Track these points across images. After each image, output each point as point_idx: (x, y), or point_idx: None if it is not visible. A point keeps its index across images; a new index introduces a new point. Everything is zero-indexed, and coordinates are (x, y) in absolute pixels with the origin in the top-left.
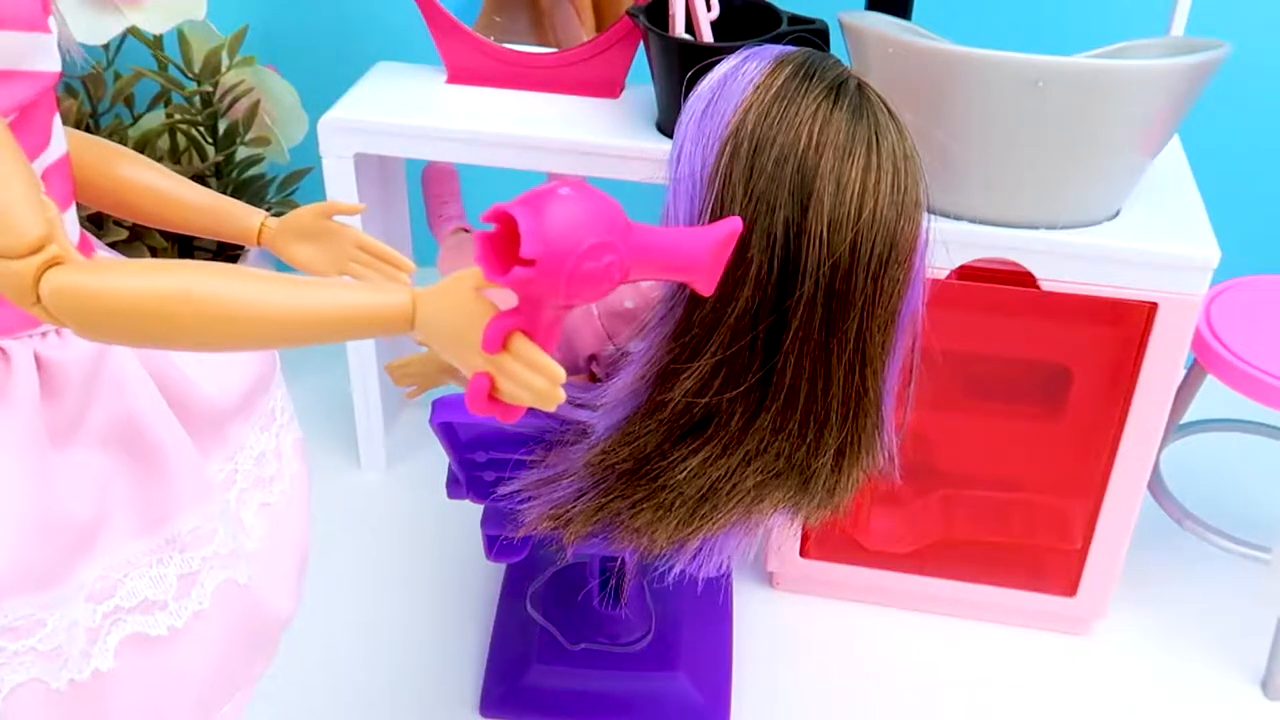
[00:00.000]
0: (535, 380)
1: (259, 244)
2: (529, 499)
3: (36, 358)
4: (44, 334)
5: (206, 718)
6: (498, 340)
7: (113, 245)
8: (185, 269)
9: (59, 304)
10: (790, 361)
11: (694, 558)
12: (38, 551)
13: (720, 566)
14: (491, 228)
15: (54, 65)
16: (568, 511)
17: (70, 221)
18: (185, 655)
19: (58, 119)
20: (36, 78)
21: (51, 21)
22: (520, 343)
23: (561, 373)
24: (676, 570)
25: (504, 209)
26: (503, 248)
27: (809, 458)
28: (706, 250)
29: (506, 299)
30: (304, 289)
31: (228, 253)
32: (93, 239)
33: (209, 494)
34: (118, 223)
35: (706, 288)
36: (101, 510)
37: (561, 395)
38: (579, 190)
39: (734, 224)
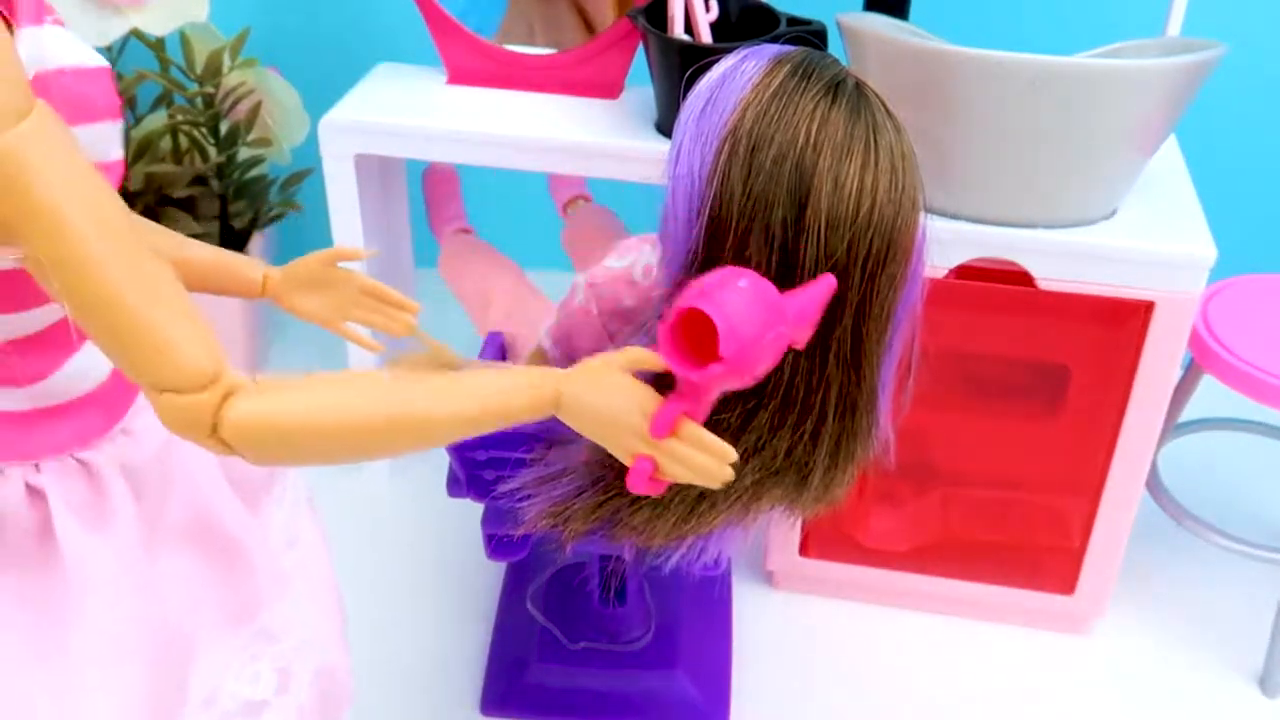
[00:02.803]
0: (707, 462)
1: (262, 295)
2: (528, 497)
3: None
4: (113, 436)
5: None
6: (668, 426)
7: None
8: (352, 387)
9: (242, 436)
10: (788, 360)
11: (691, 552)
12: (166, 680)
13: (717, 559)
14: (671, 319)
15: (120, 153)
16: (567, 509)
17: None
18: None
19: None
20: (113, 168)
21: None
22: (690, 428)
23: (730, 452)
24: (674, 563)
25: (696, 307)
26: (686, 339)
27: (806, 455)
28: (815, 308)
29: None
30: (458, 390)
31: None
32: None
33: (288, 579)
34: None
35: (802, 341)
36: (195, 613)
37: (731, 474)
38: (753, 281)
39: (829, 281)
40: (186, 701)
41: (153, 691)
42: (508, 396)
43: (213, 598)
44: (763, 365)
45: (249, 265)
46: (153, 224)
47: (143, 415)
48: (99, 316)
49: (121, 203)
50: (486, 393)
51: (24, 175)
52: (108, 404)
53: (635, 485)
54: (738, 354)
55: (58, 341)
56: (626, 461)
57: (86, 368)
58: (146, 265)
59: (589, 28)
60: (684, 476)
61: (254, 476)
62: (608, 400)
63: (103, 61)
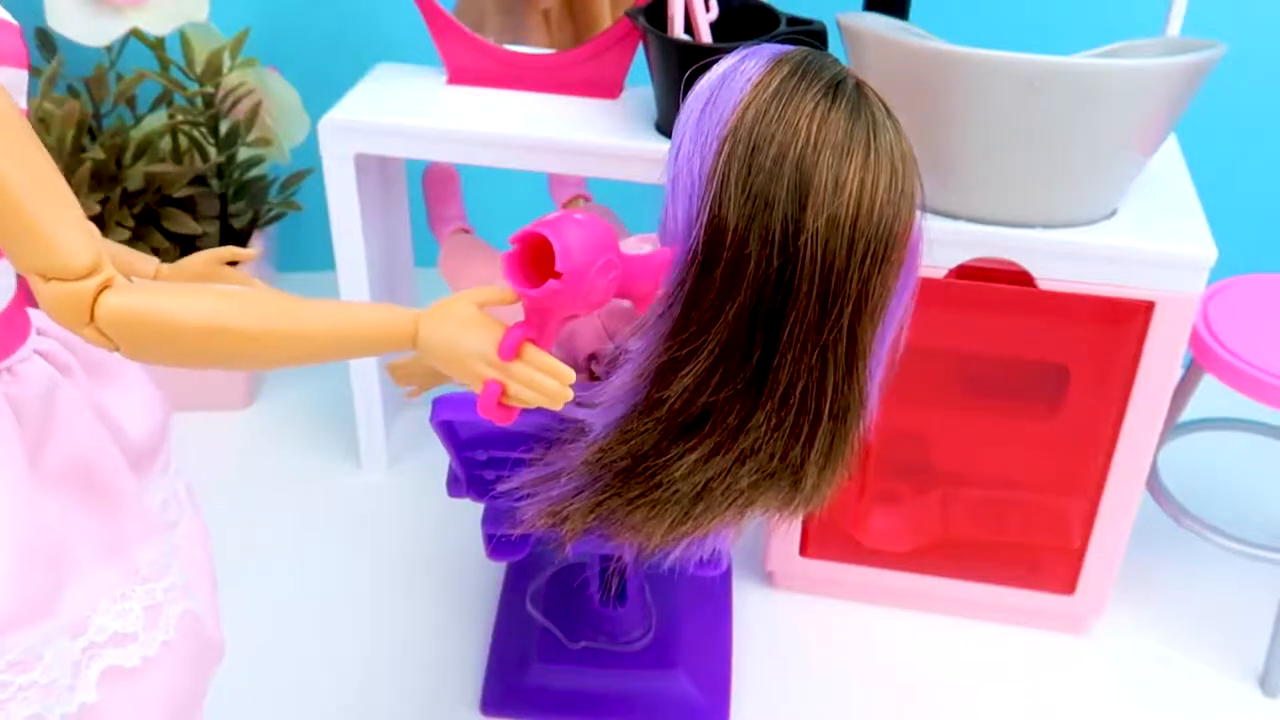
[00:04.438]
0: (548, 382)
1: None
2: (527, 496)
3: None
4: (0, 372)
5: None
6: (513, 348)
7: None
8: (225, 295)
9: (113, 325)
10: (787, 360)
11: (689, 550)
12: (36, 582)
13: (717, 559)
14: (513, 249)
15: (23, 103)
16: (565, 508)
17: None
18: (157, 683)
19: None
20: None
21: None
22: (533, 350)
23: (571, 373)
24: (671, 562)
25: (536, 231)
26: (527, 265)
27: (801, 456)
28: (650, 273)
29: (508, 316)
30: (323, 310)
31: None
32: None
33: (157, 528)
34: (120, 223)
35: (643, 305)
36: (68, 542)
37: (570, 394)
38: (588, 216)
39: (667, 253)
40: (53, 615)
41: (24, 589)
42: (372, 326)
43: (85, 532)
44: (596, 291)
45: (142, 260)
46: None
47: (29, 362)
48: None
49: (14, 109)
50: (354, 318)
51: None
52: None
53: (485, 409)
54: (571, 271)
55: None
56: (476, 388)
57: None
58: (38, 164)
59: (545, 19)
60: (528, 397)
61: (139, 443)
62: (460, 331)
63: (12, 20)
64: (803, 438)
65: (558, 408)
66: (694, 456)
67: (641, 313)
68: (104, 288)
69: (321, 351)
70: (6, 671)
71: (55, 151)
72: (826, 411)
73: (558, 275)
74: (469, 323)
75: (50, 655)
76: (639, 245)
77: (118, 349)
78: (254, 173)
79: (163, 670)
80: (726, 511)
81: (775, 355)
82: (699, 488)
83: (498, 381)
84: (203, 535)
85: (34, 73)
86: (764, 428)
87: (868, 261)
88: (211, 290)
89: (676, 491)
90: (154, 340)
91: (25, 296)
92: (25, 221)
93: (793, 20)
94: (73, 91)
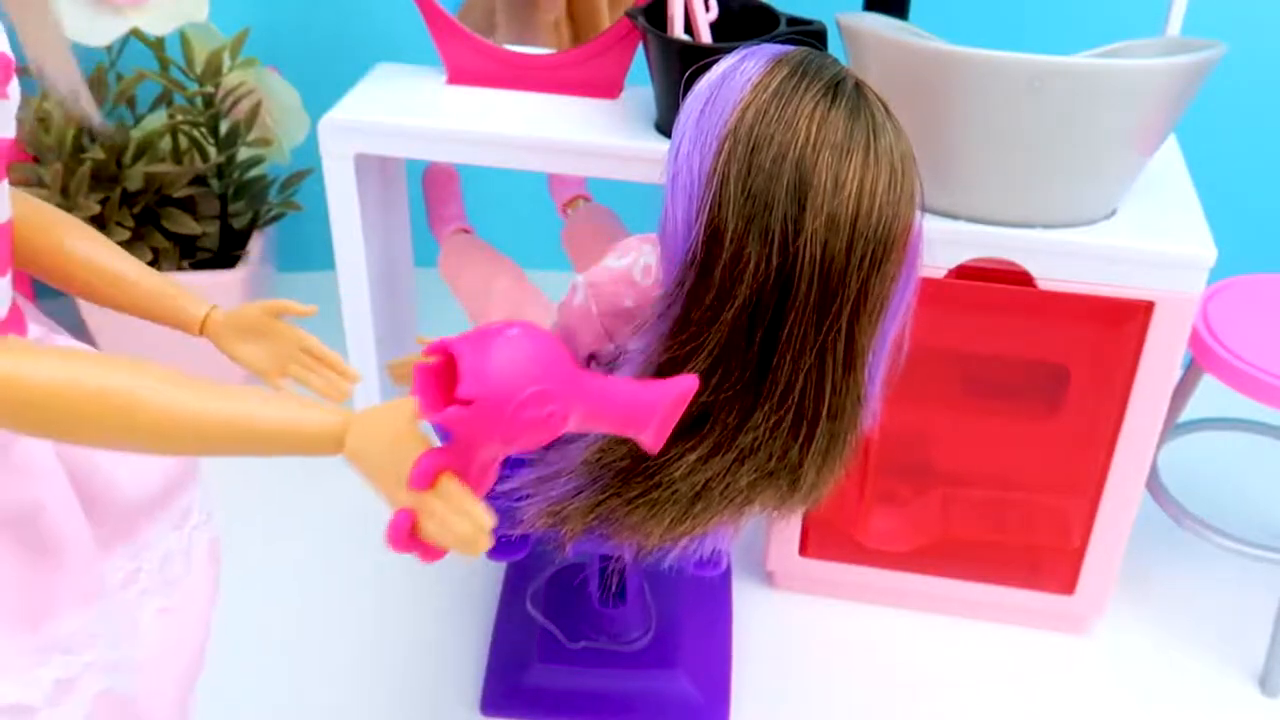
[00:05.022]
0: (460, 524)
1: (201, 334)
2: (527, 496)
3: None
4: None
5: None
6: (426, 478)
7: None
8: (105, 364)
9: None
10: (786, 359)
11: (688, 549)
12: None
13: (717, 559)
14: (432, 360)
15: (9, 132)
16: (564, 509)
17: (1, 293)
18: None
19: (5, 184)
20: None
21: (11, 89)
22: (448, 484)
23: (489, 520)
24: (671, 560)
25: (446, 344)
26: (446, 381)
27: (800, 456)
28: (660, 407)
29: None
30: (230, 399)
31: (230, 253)
32: (26, 308)
33: (99, 595)
34: (119, 223)
35: (655, 444)
36: None
37: (486, 543)
38: (527, 332)
39: (690, 382)
40: None
41: None
42: (287, 423)
43: (10, 591)
44: (519, 425)
45: (193, 302)
46: (102, 238)
47: None
48: None
49: None
50: (265, 410)
51: None
52: None
53: (392, 540)
54: (482, 399)
55: None
56: (393, 511)
57: None
58: None
59: (554, 21)
60: (440, 537)
61: (134, 497)
62: (383, 446)
63: (8, 53)
64: (801, 437)
65: (474, 555)
66: (693, 456)
67: (652, 451)
68: None
69: (217, 444)
70: None
71: (55, 151)
72: (825, 411)
73: (463, 402)
74: (394, 439)
75: None
76: (640, 245)
77: None
78: (254, 173)
79: None
80: (725, 510)
81: (774, 355)
82: (698, 487)
83: (409, 511)
84: (205, 600)
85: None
86: (763, 427)
87: (867, 261)
88: (104, 359)
89: (676, 491)
90: (9, 411)
91: (15, 323)
92: None
93: (793, 20)
94: None
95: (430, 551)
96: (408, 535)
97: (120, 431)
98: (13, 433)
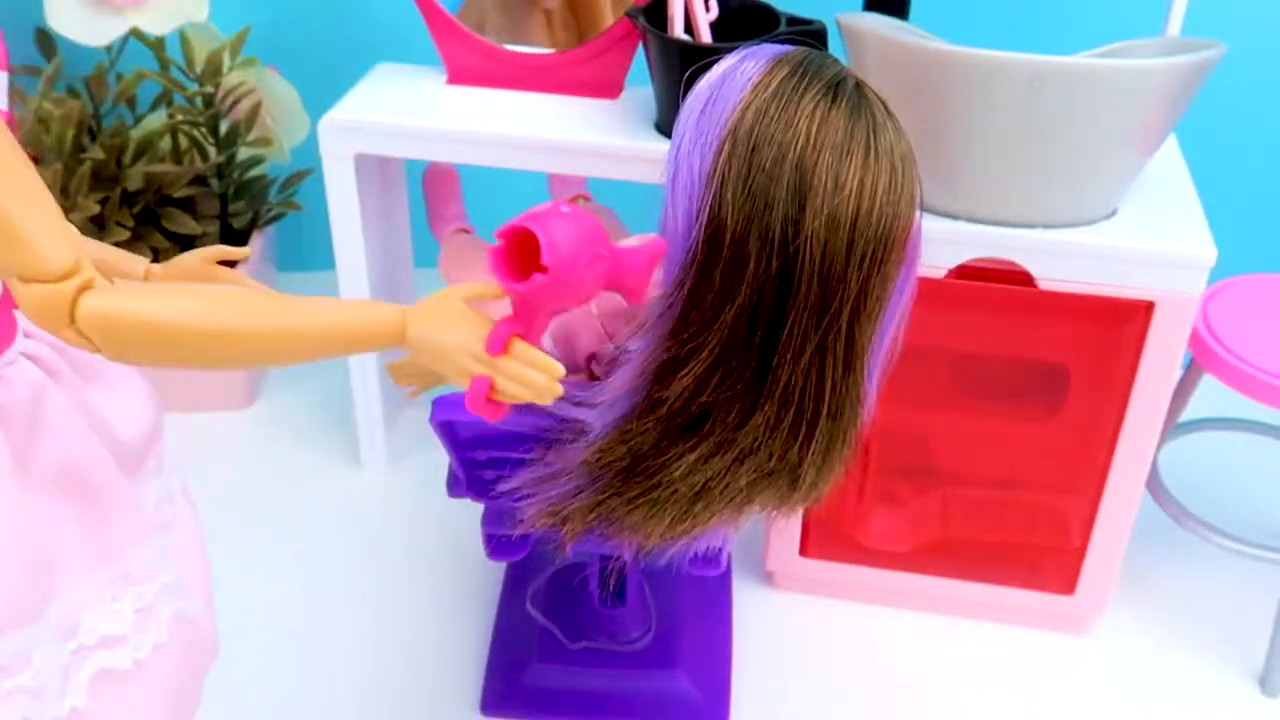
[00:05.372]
0: (537, 377)
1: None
2: (527, 496)
3: None
4: None
5: None
6: (501, 342)
7: (115, 245)
8: (207, 294)
9: (94, 326)
10: (786, 359)
11: (687, 549)
12: (24, 585)
13: (717, 559)
14: (499, 244)
15: (5, 104)
16: (564, 508)
17: None
18: (149, 686)
19: None
20: None
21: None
22: (521, 345)
23: (560, 368)
24: (670, 560)
25: (521, 225)
26: (513, 260)
27: (800, 455)
28: (640, 265)
29: (495, 311)
30: (308, 308)
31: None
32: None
33: (149, 529)
34: (119, 223)
35: (635, 298)
36: (58, 547)
37: (559, 389)
38: (575, 210)
39: (660, 244)
40: (44, 619)
41: (10, 594)
42: (359, 323)
43: (74, 537)
44: (584, 284)
45: (130, 260)
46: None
47: (16, 365)
48: None
49: None
50: (340, 316)
51: None
52: None
53: (473, 404)
54: (557, 265)
55: None
56: (465, 384)
57: None
58: (13, 164)
59: (547, 20)
60: (517, 392)
61: (128, 445)
62: (447, 327)
63: None
64: (801, 437)
65: (547, 403)
66: (693, 456)
67: (633, 305)
68: (84, 289)
69: (308, 350)
70: None
71: (55, 151)
72: (825, 411)
73: (544, 270)
74: (456, 318)
75: (39, 659)
76: (637, 241)
77: (99, 351)
78: (254, 173)
79: (154, 672)
80: (725, 510)
81: (774, 355)
82: (698, 487)
83: (486, 377)
84: (197, 535)
85: (34, 72)
86: (763, 427)
87: (867, 262)
88: (194, 289)
89: (676, 491)
90: (135, 341)
91: (11, 299)
92: (2, 223)
93: (793, 20)
94: (72, 91)
95: (498, 409)
96: (485, 398)
97: (239, 351)
98: (41, 389)
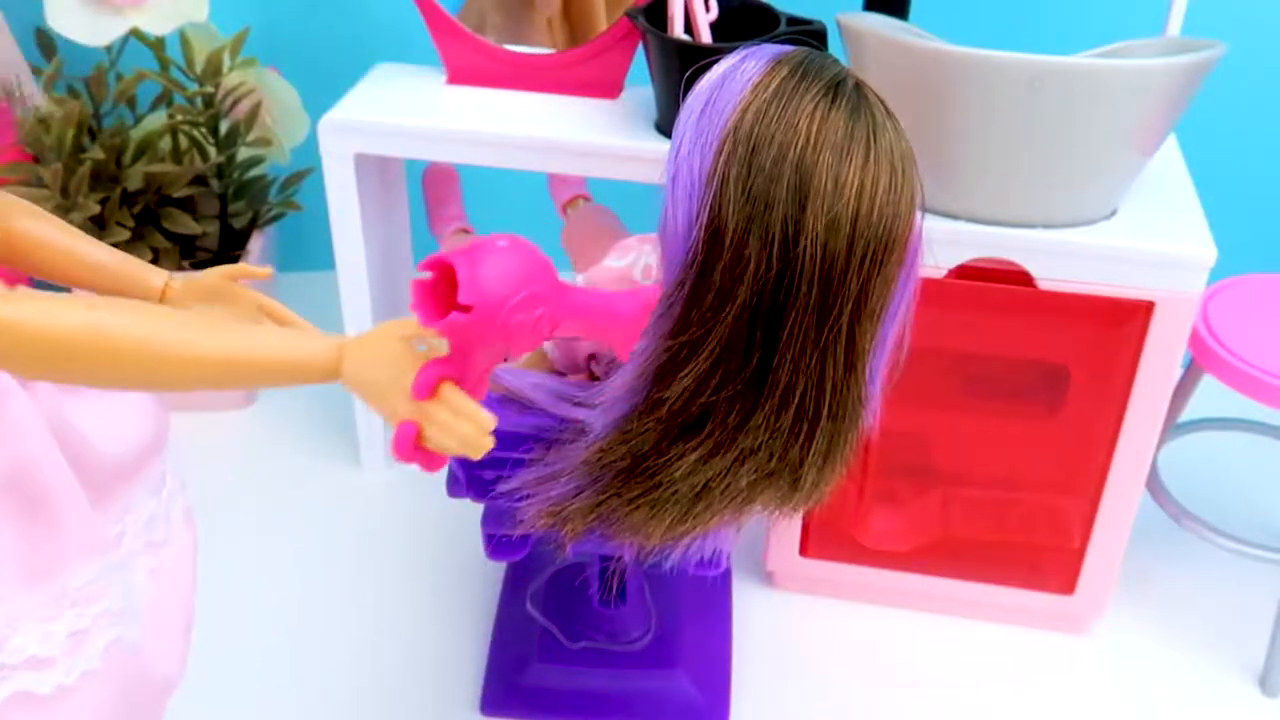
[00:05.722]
0: (463, 427)
1: (161, 303)
2: (527, 497)
3: None
4: None
5: None
6: (428, 387)
7: (115, 245)
8: (103, 305)
9: None
10: (786, 360)
11: (689, 549)
12: None
13: (717, 559)
14: (428, 276)
15: None
16: (565, 509)
17: None
18: (70, 713)
19: None
20: None
21: None
22: (450, 390)
23: (490, 420)
24: (672, 561)
25: (443, 258)
26: (441, 295)
27: (800, 456)
28: (626, 314)
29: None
30: (227, 332)
31: (230, 253)
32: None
33: (102, 548)
34: (119, 223)
35: (624, 351)
36: None
37: (489, 443)
38: (515, 244)
39: (653, 291)
40: None
41: None
42: (286, 354)
43: (15, 549)
44: (516, 327)
45: (150, 272)
46: (51, 216)
47: None
48: None
49: None
50: (265, 344)
51: None
52: None
53: (399, 450)
54: (480, 304)
55: None
56: (393, 425)
57: None
58: None
59: (547, 21)
60: (445, 442)
61: (109, 460)
62: (381, 366)
63: None
64: (801, 437)
65: (476, 457)
66: (694, 456)
67: (622, 359)
68: None
69: (223, 377)
70: None
71: (55, 151)
72: (825, 411)
73: (464, 308)
74: (391, 357)
75: None
76: (640, 245)
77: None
78: (254, 173)
79: (80, 701)
80: (726, 510)
81: (775, 355)
82: (699, 488)
83: (413, 422)
84: (189, 561)
85: (34, 72)
86: (763, 427)
87: (867, 262)
88: (100, 301)
89: (676, 491)
90: (28, 353)
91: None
92: None
93: (793, 20)
94: (72, 91)
95: (433, 460)
96: (413, 445)
97: (136, 370)
98: (15, 384)
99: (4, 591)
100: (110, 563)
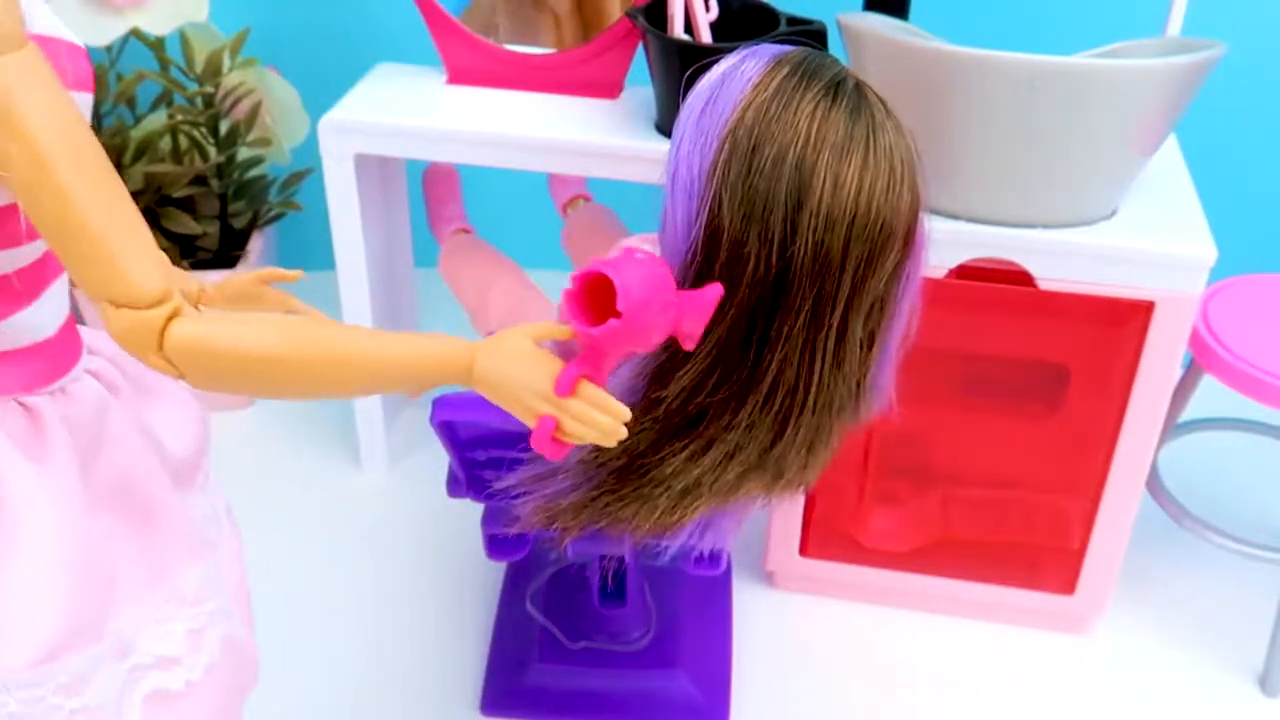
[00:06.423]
0: (602, 419)
1: (197, 308)
2: (523, 494)
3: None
4: (53, 392)
5: None
6: (570, 384)
7: None
8: (288, 325)
9: (181, 354)
10: (775, 356)
11: (687, 543)
12: (90, 603)
13: (717, 559)
14: (573, 287)
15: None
16: (560, 506)
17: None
18: (198, 706)
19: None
20: None
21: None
22: (588, 387)
23: (625, 412)
24: (670, 555)
25: (597, 270)
26: (587, 304)
27: (785, 449)
28: (702, 309)
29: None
30: (384, 340)
31: (230, 254)
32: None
33: (203, 549)
34: None
35: (690, 342)
36: (116, 564)
37: (624, 431)
38: (649, 256)
39: (715, 290)
40: (101, 639)
41: (75, 612)
42: (430, 357)
43: (132, 556)
44: (654, 330)
45: (185, 280)
46: None
47: (82, 381)
48: (66, 237)
49: (92, 135)
50: (407, 350)
51: (10, 97)
52: (53, 359)
53: (539, 443)
54: (631, 310)
55: (8, 294)
56: (531, 423)
57: (36, 322)
58: (113, 192)
59: (556, 22)
60: (583, 433)
61: (177, 462)
62: (515, 366)
63: (80, 43)
64: (786, 430)
65: (612, 445)
66: (686, 454)
67: (687, 350)
68: (173, 317)
69: (382, 382)
70: (57, 694)
71: None
72: (812, 405)
73: (618, 314)
74: (525, 357)
75: (99, 679)
76: (640, 245)
77: (183, 377)
78: (254, 173)
79: (204, 693)
80: (713, 500)
81: (767, 354)
82: (689, 483)
83: (552, 417)
84: (239, 555)
85: None
86: (751, 422)
87: (863, 261)
88: (278, 321)
89: (668, 488)
90: (221, 370)
91: (77, 315)
92: (98, 249)
93: (793, 20)
94: None
95: (561, 450)
96: (550, 437)
97: (315, 382)
98: (104, 404)
99: (128, 594)
100: (214, 561)
